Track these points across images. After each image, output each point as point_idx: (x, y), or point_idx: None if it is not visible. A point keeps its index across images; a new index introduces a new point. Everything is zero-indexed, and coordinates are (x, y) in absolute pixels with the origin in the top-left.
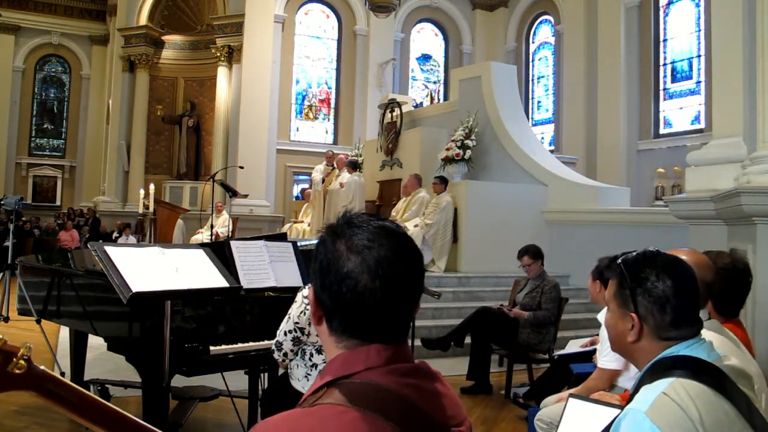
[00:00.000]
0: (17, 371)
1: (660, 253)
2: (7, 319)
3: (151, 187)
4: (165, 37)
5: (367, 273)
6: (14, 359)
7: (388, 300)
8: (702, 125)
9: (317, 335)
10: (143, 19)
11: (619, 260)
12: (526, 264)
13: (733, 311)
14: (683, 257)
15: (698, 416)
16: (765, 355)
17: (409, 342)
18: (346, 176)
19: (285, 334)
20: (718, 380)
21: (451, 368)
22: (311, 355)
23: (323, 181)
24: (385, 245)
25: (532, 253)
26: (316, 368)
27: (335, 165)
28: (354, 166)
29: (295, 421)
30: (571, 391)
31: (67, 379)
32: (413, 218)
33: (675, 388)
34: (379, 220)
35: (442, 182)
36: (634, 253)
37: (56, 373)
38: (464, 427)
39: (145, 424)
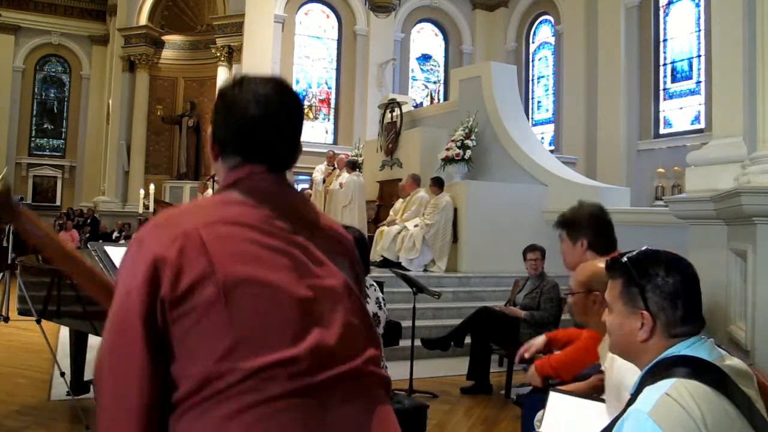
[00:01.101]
0: None
1: (660, 251)
2: (7, 319)
3: (151, 187)
4: (165, 37)
5: (254, 104)
6: None
7: (266, 125)
8: (702, 125)
9: None
10: (143, 19)
11: (624, 259)
12: (533, 259)
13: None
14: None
15: (701, 416)
16: (765, 355)
17: (409, 342)
18: (345, 176)
19: None
20: (719, 380)
21: (451, 368)
22: None
23: (324, 181)
24: (270, 87)
25: (541, 251)
26: None
27: (336, 165)
28: (353, 166)
29: (192, 203)
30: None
31: (67, 379)
32: (413, 218)
33: (677, 389)
34: (269, 77)
35: (437, 184)
36: (635, 252)
37: (56, 373)
38: (349, 236)
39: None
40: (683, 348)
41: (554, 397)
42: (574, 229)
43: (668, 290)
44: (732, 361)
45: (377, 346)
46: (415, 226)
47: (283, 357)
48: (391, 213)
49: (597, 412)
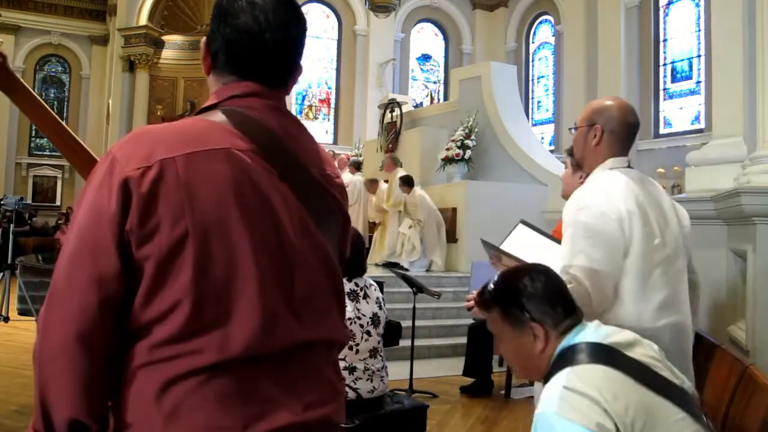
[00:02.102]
0: None
1: (512, 268)
2: (7, 319)
3: None
4: (165, 37)
5: (250, 15)
6: None
7: (263, 38)
8: (702, 125)
9: None
10: (143, 19)
11: (488, 293)
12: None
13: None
14: (609, 102)
15: (599, 395)
16: (765, 355)
17: (409, 342)
18: (348, 176)
19: None
20: (606, 355)
21: (451, 368)
22: None
23: None
24: (270, 3)
25: None
26: None
27: (336, 165)
28: (357, 166)
29: (172, 124)
30: None
31: None
32: (396, 201)
33: (570, 379)
34: None
35: (406, 183)
36: (494, 281)
37: None
38: (339, 180)
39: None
40: (571, 339)
41: (522, 229)
42: None
43: (541, 294)
44: (618, 336)
45: (340, 309)
46: (410, 227)
47: (236, 326)
48: (374, 200)
49: (555, 252)
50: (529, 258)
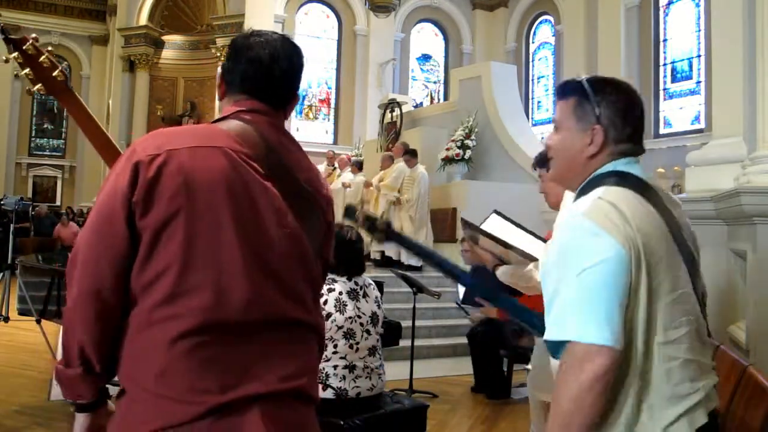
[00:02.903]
0: (59, 78)
1: (609, 78)
2: (7, 319)
3: None
4: (165, 37)
5: (261, 48)
6: (57, 69)
7: (270, 66)
8: (702, 125)
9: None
10: (143, 19)
11: (579, 78)
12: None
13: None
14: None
15: (628, 212)
16: (765, 355)
17: (409, 342)
18: (349, 176)
19: None
20: (642, 188)
21: (451, 368)
22: None
23: None
24: (276, 37)
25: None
26: None
27: (336, 165)
28: (360, 166)
29: (186, 126)
30: None
31: None
32: (391, 186)
33: (607, 192)
34: (276, 32)
35: (412, 154)
36: (582, 76)
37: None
38: (324, 192)
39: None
40: (619, 165)
41: (495, 219)
42: None
43: (620, 107)
44: (661, 185)
45: (315, 299)
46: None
47: (219, 293)
48: (374, 181)
49: (532, 242)
50: (509, 240)
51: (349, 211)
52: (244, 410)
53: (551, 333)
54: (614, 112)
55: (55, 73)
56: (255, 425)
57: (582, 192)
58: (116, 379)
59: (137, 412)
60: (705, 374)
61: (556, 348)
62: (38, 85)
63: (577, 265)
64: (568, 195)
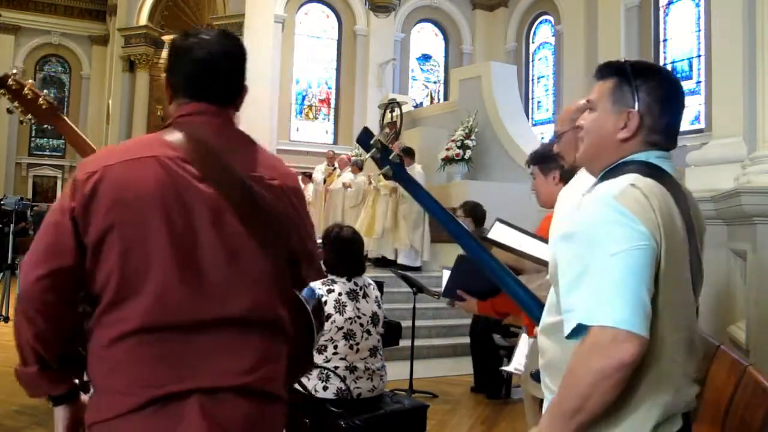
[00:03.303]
0: (44, 106)
1: (650, 63)
2: (7, 319)
3: None
4: (165, 37)
5: (198, 48)
6: (40, 98)
7: (208, 66)
8: (702, 125)
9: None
10: (143, 19)
11: (617, 61)
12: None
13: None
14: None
15: (657, 208)
16: (765, 355)
17: (409, 342)
18: (349, 176)
19: None
20: (674, 189)
21: (451, 368)
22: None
23: (324, 181)
24: (213, 34)
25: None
26: (316, 367)
27: (336, 165)
28: (361, 166)
29: (132, 139)
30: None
31: None
32: (391, 184)
33: (640, 181)
34: (215, 29)
35: (408, 154)
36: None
37: None
38: (277, 181)
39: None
40: (651, 157)
41: (500, 227)
42: (546, 162)
43: (660, 95)
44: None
45: (272, 291)
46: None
47: (154, 298)
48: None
49: (540, 246)
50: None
51: (366, 135)
52: (183, 403)
53: (580, 315)
54: (654, 99)
55: (39, 102)
56: (193, 417)
57: (609, 174)
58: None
59: (98, 405)
60: (688, 385)
61: (578, 329)
62: (28, 115)
63: (609, 247)
64: (564, 193)
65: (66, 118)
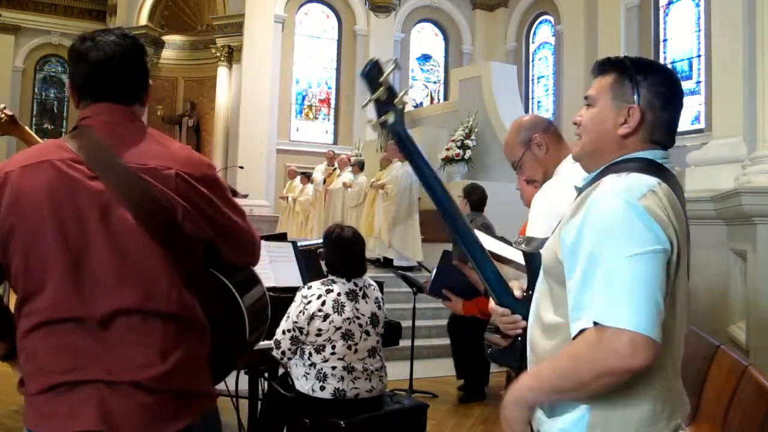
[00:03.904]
0: (4, 119)
1: (649, 60)
2: None
3: None
4: (165, 37)
5: (95, 50)
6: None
7: (105, 66)
8: (702, 125)
9: (315, 334)
10: (143, 19)
11: (615, 57)
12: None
13: None
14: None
15: (672, 213)
16: (765, 355)
17: (409, 342)
18: (348, 176)
19: (284, 332)
20: (674, 187)
21: (451, 368)
22: (310, 354)
23: (324, 181)
24: (109, 35)
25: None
26: (314, 367)
27: (336, 165)
28: (362, 166)
29: (38, 145)
30: None
31: None
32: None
33: (659, 186)
34: (113, 30)
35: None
36: (625, 55)
37: None
38: (171, 170)
39: None
40: (658, 157)
41: (480, 235)
42: None
43: (661, 91)
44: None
45: (161, 282)
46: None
47: (51, 295)
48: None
49: (514, 253)
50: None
51: (375, 69)
52: (81, 390)
53: (596, 314)
54: (655, 95)
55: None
56: (88, 404)
57: (610, 170)
58: None
59: (26, 382)
60: (683, 403)
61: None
62: None
63: (630, 248)
64: (539, 194)
65: (24, 126)
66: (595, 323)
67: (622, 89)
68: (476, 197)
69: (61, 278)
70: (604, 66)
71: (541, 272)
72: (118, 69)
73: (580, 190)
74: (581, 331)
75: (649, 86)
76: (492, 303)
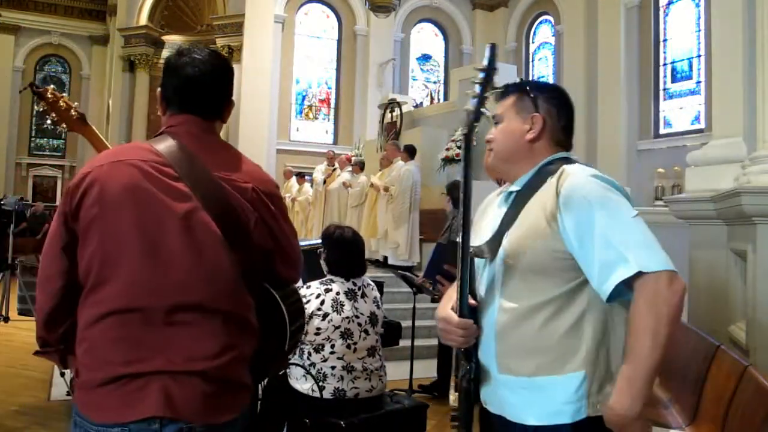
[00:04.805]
0: (75, 116)
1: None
2: (7, 319)
3: None
4: (165, 37)
5: (190, 66)
6: (72, 109)
7: (197, 81)
8: (702, 125)
9: (314, 333)
10: (143, 19)
11: (516, 83)
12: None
13: None
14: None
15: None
16: (765, 355)
17: (409, 342)
18: (346, 176)
19: None
20: None
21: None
22: (309, 354)
23: (324, 181)
24: (203, 53)
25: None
26: (314, 367)
27: (337, 165)
28: (362, 166)
29: (124, 145)
30: None
31: (67, 379)
32: (391, 182)
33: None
34: (205, 48)
35: (407, 151)
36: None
37: (56, 373)
38: (248, 185)
39: None
40: (571, 156)
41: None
42: None
43: (555, 101)
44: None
45: (230, 283)
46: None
47: (124, 285)
48: (374, 180)
49: None
50: None
51: (495, 55)
52: (145, 380)
53: (637, 265)
54: (551, 105)
55: (72, 113)
56: (152, 393)
57: (543, 171)
58: None
59: (79, 377)
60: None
61: (620, 289)
62: (62, 124)
63: (626, 212)
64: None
65: (93, 126)
66: (640, 273)
67: (524, 104)
68: (459, 194)
69: (135, 268)
70: (505, 91)
71: (513, 272)
72: (206, 85)
73: (517, 193)
74: (618, 285)
75: (545, 99)
76: (453, 314)
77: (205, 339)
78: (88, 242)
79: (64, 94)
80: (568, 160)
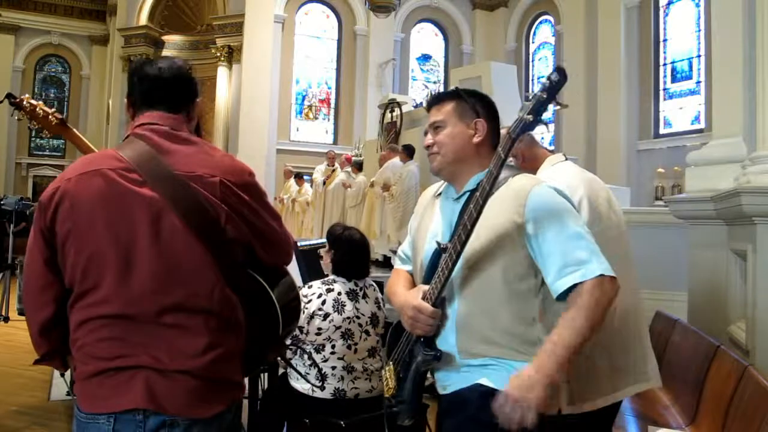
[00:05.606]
0: (54, 121)
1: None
2: (7, 319)
3: None
4: (165, 37)
5: (154, 69)
6: (50, 115)
7: (159, 81)
8: (702, 125)
9: (315, 333)
10: (143, 19)
11: (454, 90)
12: None
13: None
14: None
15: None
16: (765, 355)
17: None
18: (343, 176)
19: None
20: None
21: None
22: (309, 354)
23: (324, 182)
24: (164, 60)
25: None
26: (314, 367)
27: (337, 165)
28: (360, 167)
29: (92, 154)
30: None
31: (67, 379)
32: (377, 180)
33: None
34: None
35: (406, 151)
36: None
37: (56, 373)
38: (216, 178)
39: None
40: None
41: None
42: None
43: (488, 108)
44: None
45: (209, 280)
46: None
47: (106, 292)
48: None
49: None
50: None
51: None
52: (131, 374)
53: (596, 269)
54: (486, 111)
55: (50, 118)
56: (136, 386)
57: (496, 176)
58: None
59: (75, 370)
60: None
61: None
62: (44, 131)
63: (578, 221)
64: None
65: (73, 128)
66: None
67: (464, 110)
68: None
69: (113, 278)
70: (440, 98)
71: (475, 268)
72: (168, 81)
73: (472, 191)
74: (575, 285)
75: (481, 105)
76: (426, 304)
77: (189, 338)
78: (67, 255)
79: (40, 102)
80: (516, 169)
